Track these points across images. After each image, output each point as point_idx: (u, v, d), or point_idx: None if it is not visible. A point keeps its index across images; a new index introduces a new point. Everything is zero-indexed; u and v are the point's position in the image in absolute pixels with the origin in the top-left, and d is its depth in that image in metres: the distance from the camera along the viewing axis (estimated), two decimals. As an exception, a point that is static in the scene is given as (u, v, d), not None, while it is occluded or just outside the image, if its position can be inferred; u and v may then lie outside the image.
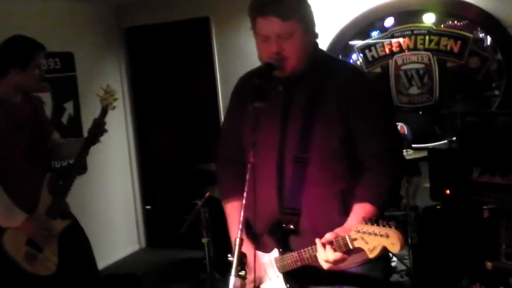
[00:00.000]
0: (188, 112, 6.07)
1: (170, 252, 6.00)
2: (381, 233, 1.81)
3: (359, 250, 1.88)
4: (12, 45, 3.23)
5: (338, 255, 1.92)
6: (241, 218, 1.89)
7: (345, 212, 2.09)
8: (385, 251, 1.83)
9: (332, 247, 1.93)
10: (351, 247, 1.89)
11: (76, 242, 3.44)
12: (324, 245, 1.94)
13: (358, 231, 1.86)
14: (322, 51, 2.31)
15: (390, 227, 1.81)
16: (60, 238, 3.31)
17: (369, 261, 2.12)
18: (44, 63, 3.36)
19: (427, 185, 3.97)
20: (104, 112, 3.50)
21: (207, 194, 4.25)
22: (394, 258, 4.58)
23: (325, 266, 1.97)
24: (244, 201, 1.90)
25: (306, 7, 2.14)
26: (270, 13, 2.05)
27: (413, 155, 4.44)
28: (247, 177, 1.91)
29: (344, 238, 1.91)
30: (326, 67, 2.19)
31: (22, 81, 3.23)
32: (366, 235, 1.84)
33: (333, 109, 2.09)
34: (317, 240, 1.96)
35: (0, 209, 3.08)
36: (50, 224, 3.27)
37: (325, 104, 2.10)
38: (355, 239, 1.87)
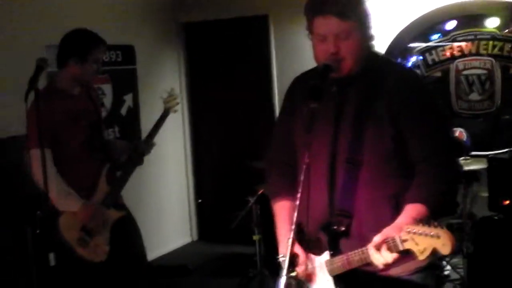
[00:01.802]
0: (243, 109, 6.10)
1: (221, 246, 6.04)
2: (432, 233, 1.78)
3: (411, 254, 1.85)
4: (74, 37, 3.33)
5: (395, 255, 1.90)
6: (294, 219, 1.89)
7: (398, 216, 2.06)
8: (435, 253, 1.80)
9: (387, 249, 1.90)
10: (400, 248, 1.86)
11: (127, 233, 3.52)
12: (378, 248, 1.91)
13: (409, 232, 1.83)
14: (376, 52, 2.29)
15: (441, 228, 1.77)
16: (112, 228, 3.39)
17: (421, 269, 2.11)
18: (103, 58, 3.42)
19: (486, 194, 3.88)
20: (166, 114, 3.63)
21: (259, 192, 4.25)
22: (448, 267, 4.49)
23: (380, 266, 1.95)
24: (297, 202, 1.89)
25: (364, 8, 2.12)
26: (329, 13, 2.04)
27: (472, 162, 4.33)
28: (301, 178, 1.90)
29: (394, 240, 1.88)
30: (380, 68, 2.17)
31: (79, 74, 3.32)
32: (417, 235, 1.81)
33: (384, 110, 2.07)
34: (370, 246, 1.94)
35: (58, 193, 3.16)
36: (105, 213, 3.36)
37: (377, 105, 2.09)
38: (406, 240, 1.84)
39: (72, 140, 3.30)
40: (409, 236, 1.83)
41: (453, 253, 4.16)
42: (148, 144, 3.57)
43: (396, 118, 2.06)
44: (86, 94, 3.45)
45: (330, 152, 2.13)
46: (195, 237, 6.49)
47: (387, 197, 2.09)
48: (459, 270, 4.47)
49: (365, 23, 2.11)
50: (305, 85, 2.12)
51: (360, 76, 2.13)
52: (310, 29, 2.13)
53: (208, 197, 6.45)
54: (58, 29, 4.18)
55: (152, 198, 5.80)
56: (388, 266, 1.95)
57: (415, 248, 1.82)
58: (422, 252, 1.80)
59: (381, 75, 2.14)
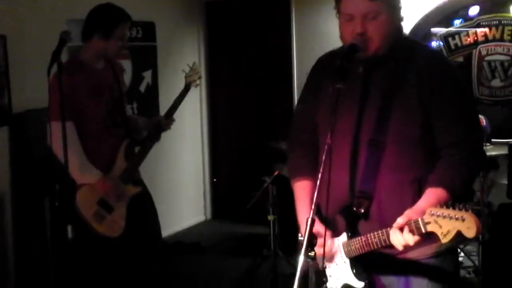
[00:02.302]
0: (262, 89, 6.08)
1: (235, 225, 6.06)
2: (456, 216, 1.75)
3: (432, 238, 1.84)
4: (100, 12, 3.31)
5: (417, 238, 1.88)
6: (314, 199, 1.88)
7: None
8: (459, 236, 1.77)
9: (409, 230, 1.88)
10: (423, 231, 1.85)
11: (143, 209, 3.52)
12: (401, 229, 1.90)
13: (432, 214, 1.81)
14: (405, 34, 2.26)
15: (466, 210, 1.75)
16: (129, 203, 3.39)
17: (440, 254, 2.11)
18: (128, 34, 3.40)
19: (504, 181, 3.84)
20: (187, 88, 3.63)
21: (276, 172, 4.25)
22: (461, 254, 4.47)
23: (400, 248, 1.93)
24: (318, 182, 1.88)
25: None
26: None
27: (491, 149, 4.29)
28: (323, 158, 1.88)
29: (417, 222, 1.86)
30: (408, 50, 2.14)
31: (103, 48, 3.30)
32: (441, 218, 1.79)
33: (413, 94, 2.05)
34: (394, 227, 1.92)
35: (77, 165, 3.16)
36: (122, 188, 3.36)
37: (405, 88, 2.06)
38: (429, 223, 1.82)
39: (94, 115, 3.29)
40: (433, 218, 1.81)
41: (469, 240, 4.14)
42: (168, 119, 3.57)
43: (427, 102, 2.04)
44: (109, 69, 3.44)
45: (354, 133, 2.11)
46: (209, 216, 6.52)
47: (410, 181, 2.07)
48: (473, 257, 4.45)
49: (393, 4, 2.08)
50: (330, 65, 2.11)
51: (387, 57, 2.10)
52: (338, 8, 2.11)
53: (223, 177, 6.46)
54: (79, 4, 4.19)
55: (167, 176, 5.82)
56: (407, 249, 1.94)
57: (438, 231, 1.80)
58: (445, 235, 1.78)
59: (409, 57, 2.11)
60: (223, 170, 6.47)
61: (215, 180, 6.50)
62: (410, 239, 1.89)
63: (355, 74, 2.11)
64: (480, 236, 4.17)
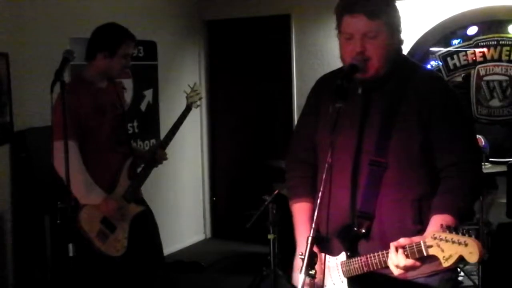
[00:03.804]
0: (262, 108, 6.12)
1: (234, 244, 6.06)
2: (459, 241, 1.75)
3: (432, 259, 1.84)
4: (105, 31, 3.34)
5: (410, 261, 1.88)
6: (315, 217, 1.89)
7: (420, 221, 2.06)
8: (460, 261, 1.78)
9: (404, 253, 1.89)
10: (425, 254, 1.84)
11: (146, 228, 3.52)
12: (397, 249, 1.91)
13: (435, 238, 1.81)
14: (404, 56, 2.28)
15: (469, 235, 1.75)
16: (131, 222, 3.39)
17: (438, 272, 2.10)
18: (132, 53, 3.44)
19: (503, 200, 3.85)
20: (188, 109, 3.66)
21: (276, 191, 4.25)
22: (461, 273, 4.47)
23: (395, 272, 1.93)
24: (318, 201, 1.89)
25: (394, 10, 2.12)
26: (358, 11, 2.04)
27: (490, 168, 4.31)
28: (323, 177, 1.90)
29: (418, 244, 1.86)
30: (407, 71, 2.17)
31: (107, 67, 3.32)
32: (443, 242, 1.78)
33: (412, 115, 2.07)
34: (391, 244, 1.93)
35: (83, 185, 3.18)
36: (125, 207, 3.37)
37: (404, 109, 2.08)
38: (431, 246, 1.82)
39: (97, 133, 3.30)
40: (435, 242, 1.80)
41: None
42: (165, 147, 3.61)
43: (426, 123, 2.06)
44: (112, 87, 3.47)
45: (354, 153, 2.13)
46: (209, 235, 6.51)
47: (410, 201, 2.08)
48: (473, 277, 4.44)
49: (393, 25, 2.11)
50: (329, 85, 2.12)
51: (386, 78, 2.12)
52: (339, 28, 2.13)
53: (223, 195, 6.46)
54: (82, 23, 4.24)
55: (167, 195, 5.83)
56: (402, 273, 1.93)
57: (440, 255, 1.79)
58: (447, 259, 1.78)
59: (408, 78, 2.14)
60: (222, 189, 6.48)
61: (214, 199, 6.50)
62: (402, 261, 1.88)
63: (355, 94, 2.13)
64: (485, 256, 4.17)
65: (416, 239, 1.90)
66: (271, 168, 4.72)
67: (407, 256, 1.88)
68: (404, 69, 2.17)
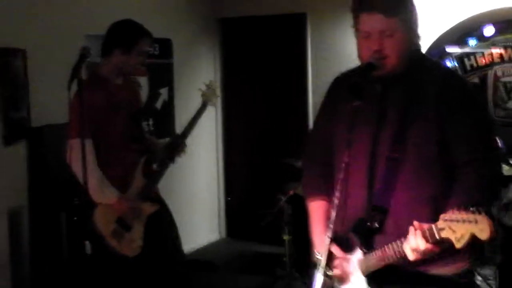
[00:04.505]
0: (277, 107, 6.10)
1: (249, 244, 6.05)
2: (469, 219, 1.75)
3: (452, 252, 1.82)
4: (120, 27, 3.34)
5: (428, 245, 1.88)
6: (332, 217, 1.88)
7: (435, 219, 2.03)
8: (472, 239, 1.76)
9: (422, 235, 1.88)
10: (437, 237, 1.84)
11: (162, 227, 3.50)
12: (415, 230, 1.90)
13: (445, 220, 1.81)
14: (421, 53, 2.27)
15: (479, 213, 1.75)
16: (147, 221, 3.37)
17: (457, 274, 2.10)
18: (149, 50, 3.43)
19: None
20: (203, 107, 3.61)
21: (291, 192, 4.24)
22: (479, 278, 4.43)
23: (412, 256, 1.92)
24: (336, 200, 1.89)
25: (411, 7, 2.12)
26: (375, 9, 2.04)
27: (508, 171, 4.27)
28: (341, 176, 1.90)
29: (430, 229, 1.86)
30: (425, 68, 2.16)
31: (123, 64, 3.32)
32: (454, 223, 1.79)
33: (430, 112, 2.06)
34: (411, 227, 1.92)
35: (96, 185, 3.14)
36: (140, 206, 3.35)
37: (422, 106, 2.07)
38: (442, 229, 1.82)
39: (112, 130, 3.29)
40: (446, 224, 1.81)
41: (484, 262, 4.10)
42: (183, 140, 3.55)
43: (444, 120, 2.05)
44: (128, 84, 3.47)
45: (371, 150, 2.12)
46: (223, 234, 6.51)
47: (426, 198, 2.08)
48: (490, 281, 4.40)
49: (410, 22, 2.10)
50: (346, 84, 2.12)
51: (404, 75, 2.12)
52: (356, 26, 2.13)
53: (238, 195, 6.46)
54: (97, 20, 4.24)
55: (182, 194, 5.82)
56: (419, 257, 1.92)
57: (452, 236, 1.79)
58: (459, 240, 1.78)
59: (426, 75, 2.13)
60: (237, 188, 6.47)
61: (229, 198, 6.50)
62: (421, 244, 1.88)
63: (372, 92, 2.12)
64: (498, 259, 4.13)
65: (426, 225, 1.90)
66: (286, 167, 4.71)
67: (425, 240, 1.87)
68: (422, 66, 2.17)
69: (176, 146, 3.54)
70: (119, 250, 3.26)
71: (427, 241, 1.87)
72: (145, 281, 3.41)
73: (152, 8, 5.36)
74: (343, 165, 1.89)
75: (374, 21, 2.04)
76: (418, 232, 1.89)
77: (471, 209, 1.76)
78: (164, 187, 3.64)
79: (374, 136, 2.12)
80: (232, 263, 5.61)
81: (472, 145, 2.06)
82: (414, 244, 1.90)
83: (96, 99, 3.18)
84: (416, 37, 2.15)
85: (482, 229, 1.74)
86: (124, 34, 3.31)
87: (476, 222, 1.74)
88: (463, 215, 1.77)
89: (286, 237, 4.32)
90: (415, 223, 1.92)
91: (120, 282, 3.32)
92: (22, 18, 4.17)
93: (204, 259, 5.53)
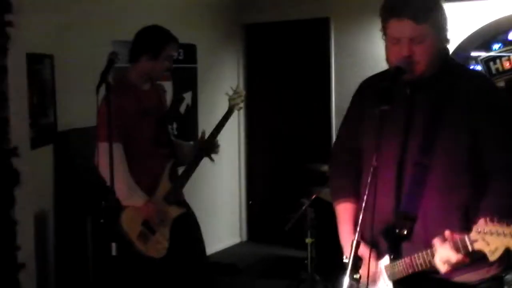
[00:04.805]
0: (300, 111, 6.10)
1: (270, 248, 6.06)
2: (504, 232, 1.72)
3: (480, 262, 1.80)
4: (147, 33, 3.38)
5: (460, 256, 1.86)
6: (360, 221, 1.89)
7: (466, 227, 2.01)
8: (507, 253, 1.75)
9: (452, 247, 1.86)
10: (470, 249, 1.82)
11: (187, 230, 3.54)
12: (443, 241, 1.88)
13: (479, 232, 1.78)
14: (450, 57, 2.26)
15: None
16: (173, 224, 3.41)
17: (485, 280, 2.08)
18: (175, 55, 3.48)
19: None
20: (230, 112, 3.65)
21: (314, 195, 4.24)
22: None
23: (443, 269, 1.91)
24: (363, 204, 1.89)
25: (441, 12, 2.10)
26: (405, 16, 2.02)
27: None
28: (369, 180, 1.89)
29: (463, 240, 1.84)
30: (454, 72, 2.15)
31: (151, 69, 3.35)
32: (488, 235, 1.76)
33: (460, 116, 2.05)
34: (436, 240, 1.91)
35: (125, 188, 3.20)
36: (166, 209, 3.39)
37: (452, 111, 2.06)
38: (476, 241, 1.79)
39: (140, 136, 3.33)
40: (480, 236, 1.78)
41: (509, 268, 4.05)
42: (214, 142, 3.58)
43: (476, 126, 2.03)
44: (154, 90, 3.50)
45: (399, 155, 2.11)
46: (244, 238, 6.52)
47: (455, 205, 2.06)
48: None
49: (440, 27, 2.09)
50: (374, 88, 2.12)
51: (433, 79, 2.11)
52: (384, 31, 2.12)
53: (260, 199, 6.47)
54: (124, 26, 4.29)
55: (204, 198, 5.84)
56: (450, 269, 1.91)
57: (486, 249, 1.77)
58: (493, 252, 1.75)
59: (456, 79, 2.12)
60: (259, 192, 6.48)
61: (250, 202, 6.51)
62: (452, 256, 1.86)
63: (400, 97, 2.11)
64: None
65: (458, 235, 1.88)
66: (308, 171, 4.71)
67: (456, 250, 1.85)
68: (451, 70, 2.15)
69: (210, 146, 3.56)
70: (145, 252, 3.30)
71: (458, 251, 1.85)
72: (171, 283, 3.45)
73: (178, 14, 5.40)
74: (372, 169, 1.88)
75: (404, 28, 2.03)
76: (450, 244, 1.87)
77: (506, 221, 1.74)
78: (187, 190, 3.67)
79: (402, 141, 2.12)
80: (253, 267, 5.62)
81: (505, 152, 2.04)
82: (445, 256, 1.88)
83: (124, 104, 3.22)
84: (446, 40, 2.14)
85: None
86: (151, 40, 3.34)
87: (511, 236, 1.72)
88: (497, 228, 1.74)
89: (309, 241, 4.31)
90: (446, 233, 1.90)
91: (146, 284, 3.35)
92: (50, 24, 4.22)
93: (227, 262, 5.54)
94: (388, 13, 2.08)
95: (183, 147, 3.71)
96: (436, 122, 2.07)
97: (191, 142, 3.80)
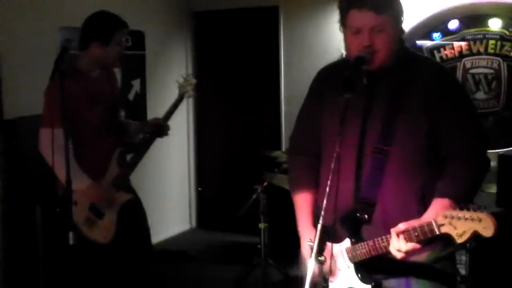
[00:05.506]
0: (249, 99, 6.13)
1: (221, 234, 6.09)
2: (472, 217, 1.81)
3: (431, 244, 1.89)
4: (96, 20, 3.32)
5: (410, 245, 1.96)
6: (324, 205, 1.93)
7: (423, 208, 2.09)
8: (475, 236, 1.83)
9: (404, 237, 1.96)
10: (437, 232, 1.90)
11: (134, 216, 3.53)
12: (397, 234, 1.98)
13: (446, 217, 1.86)
14: (407, 47, 2.32)
15: (482, 211, 1.81)
16: (120, 210, 3.40)
17: (440, 259, 2.18)
18: (125, 41, 3.43)
19: (492, 190, 3.93)
20: (180, 99, 3.66)
21: (265, 183, 4.28)
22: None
23: (398, 256, 2.00)
24: (327, 189, 1.93)
25: (399, 2, 2.17)
26: (365, 6, 2.07)
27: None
28: (332, 167, 1.93)
29: (430, 224, 1.92)
30: (410, 61, 2.21)
31: (102, 56, 3.31)
32: (455, 220, 1.84)
33: (418, 103, 2.11)
34: (392, 230, 2.00)
35: (64, 172, 3.12)
36: (114, 194, 3.37)
37: (409, 98, 2.12)
38: (442, 225, 1.88)
39: (88, 122, 3.30)
40: (447, 220, 1.86)
41: (457, 248, 4.20)
42: (162, 125, 3.59)
43: (432, 111, 2.10)
44: (105, 77, 3.46)
45: (358, 142, 2.17)
46: (194, 225, 6.53)
47: (413, 188, 2.13)
48: (460, 266, 4.50)
49: (398, 17, 2.15)
50: (333, 76, 2.18)
51: (391, 69, 2.16)
52: (343, 21, 2.16)
53: (210, 185, 6.48)
54: (70, 12, 4.21)
55: (153, 184, 5.81)
56: (404, 256, 2.00)
57: (453, 232, 1.85)
58: (461, 235, 1.83)
59: (412, 67, 2.18)
60: (209, 179, 6.49)
61: (200, 189, 6.51)
62: (402, 246, 1.97)
63: (360, 86, 2.16)
64: (468, 245, 4.24)
65: (414, 222, 1.97)
66: (259, 157, 4.75)
67: (407, 241, 1.96)
68: (407, 59, 2.22)
69: (160, 128, 3.57)
70: (91, 237, 3.29)
71: (423, 237, 1.93)
72: (118, 269, 3.44)
73: (126, 0, 5.32)
74: (335, 155, 1.92)
75: (364, 18, 2.08)
76: (401, 236, 1.97)
77: (472, 206, 1.82)
78: (135, 177, 3.65)
79: (361, 129, 2.17)
80: (204, 253, 5.62)
81: (460, 136, 2.11)
82: (396, 246, 1.99)
83: (72, 89, 3.15)
84: (402, 31, 2.20)
85: (486, 227, 1.79)
86: (101, 26, 3.29)
87: (479, 220, 1.80)
88: (465, 213, 1.82)
89: (262, 226, 4.36)
90: (400, 225, 1.99)
91: (93, 269, 3.34)
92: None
93: (177, 249, 5.53)
94: (348, 4, 2.12)
95: (130, 125, 3.71)
96: (395, 109, 2.13)
97: (138, 122, 3.79)
